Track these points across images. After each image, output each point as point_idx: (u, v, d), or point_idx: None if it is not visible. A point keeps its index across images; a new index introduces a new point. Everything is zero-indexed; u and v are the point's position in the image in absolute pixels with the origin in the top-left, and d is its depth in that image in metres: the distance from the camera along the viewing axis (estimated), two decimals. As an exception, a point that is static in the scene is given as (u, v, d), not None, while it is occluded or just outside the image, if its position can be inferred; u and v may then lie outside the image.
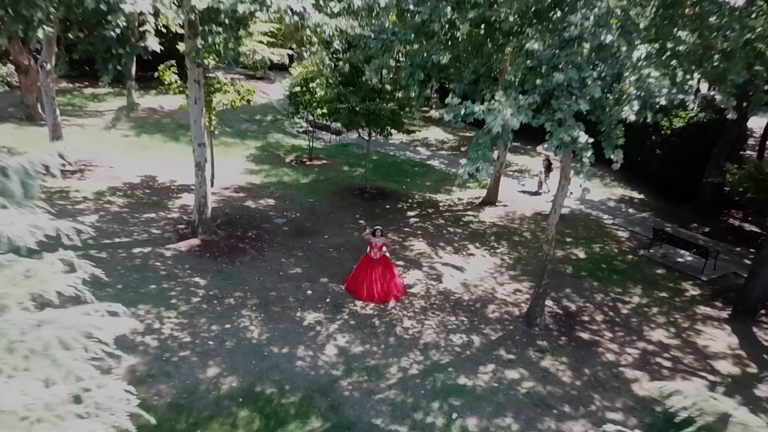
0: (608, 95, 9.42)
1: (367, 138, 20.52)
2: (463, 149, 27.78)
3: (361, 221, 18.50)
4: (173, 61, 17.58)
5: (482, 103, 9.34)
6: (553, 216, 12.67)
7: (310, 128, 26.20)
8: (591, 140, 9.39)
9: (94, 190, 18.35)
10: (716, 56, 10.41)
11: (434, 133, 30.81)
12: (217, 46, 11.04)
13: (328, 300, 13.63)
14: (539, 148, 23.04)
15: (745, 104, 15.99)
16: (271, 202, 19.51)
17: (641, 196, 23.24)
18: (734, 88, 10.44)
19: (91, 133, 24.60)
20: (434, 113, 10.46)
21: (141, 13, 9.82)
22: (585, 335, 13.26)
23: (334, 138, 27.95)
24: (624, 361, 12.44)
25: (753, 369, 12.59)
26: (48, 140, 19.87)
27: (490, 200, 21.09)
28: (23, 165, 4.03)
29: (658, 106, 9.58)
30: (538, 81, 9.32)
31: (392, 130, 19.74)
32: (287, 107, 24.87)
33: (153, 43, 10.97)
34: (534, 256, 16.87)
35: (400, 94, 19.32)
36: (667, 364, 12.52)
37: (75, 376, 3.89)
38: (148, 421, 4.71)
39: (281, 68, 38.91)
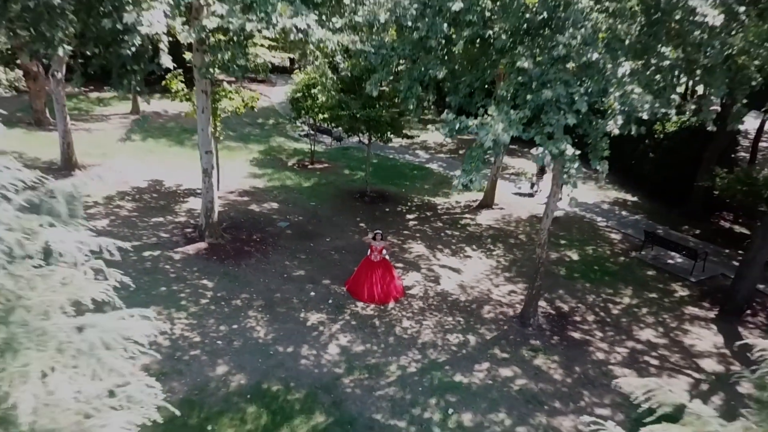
0: (593, 109, 9.97)
1: (367, 142, 21.05)
2: (461, 152, 28.28)
3: (361, 224, 19.04)
4: (180, 70, 18.07)
5: (476, 117, 9.92)
6: (546, 221, 13.23)
7: (312, 132, 26.73)
8: (578, 152, 9.97)
9: (104, 195, 18.87)
10: (698, 71, 10.98)
11: (433, 137, 31.33)
12: (226, 62, 11.59)
13: (330, 301, 14.20)
14: (534, 152, 23.57)
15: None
16: (275, 205, 20.07)
17: (635, 199, 23.76)
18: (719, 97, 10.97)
19: (99, 138, 25.17)
20: (431, 128, 11.04)
21: (156, 33, 10.37)
22: (576, 335, 13.84)
23: (335, 142, 28.49)
24: (613, 360, 13.00)
25: (737, 367, 13.07)
26: (58, 146, 20.49)
27: (487, 203, 21.62)
28: (69, 188, 4.60)
29: (641, 119, 10.14)
30: (528, 96, 9.87)
31: (392, 136, 20.26)
32: (289, 111, 25.33)
33: (167, 61, 11.56)
34: (528, 258, 17.42)
35: (398, 100, 19.82)
36: (655, 362, 13.08)
37: (117, 372, 4.47)
38: (173, 413, 5.30)
39: (282, 71, 39.37)
